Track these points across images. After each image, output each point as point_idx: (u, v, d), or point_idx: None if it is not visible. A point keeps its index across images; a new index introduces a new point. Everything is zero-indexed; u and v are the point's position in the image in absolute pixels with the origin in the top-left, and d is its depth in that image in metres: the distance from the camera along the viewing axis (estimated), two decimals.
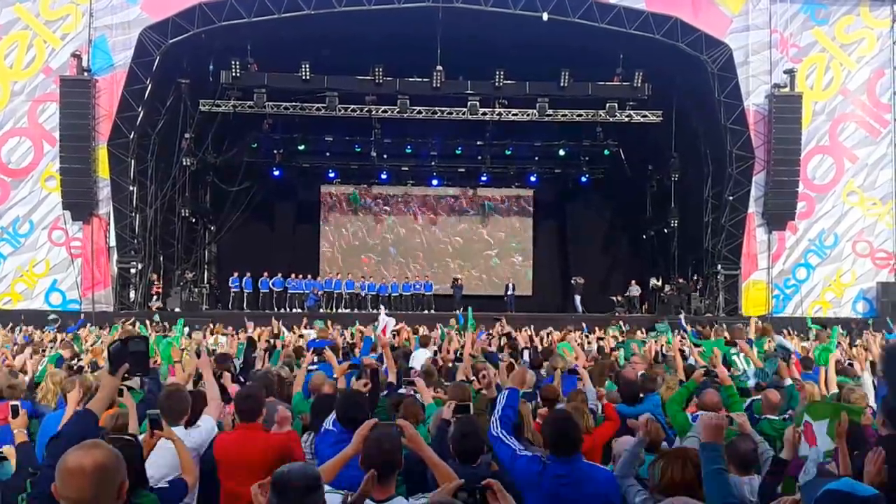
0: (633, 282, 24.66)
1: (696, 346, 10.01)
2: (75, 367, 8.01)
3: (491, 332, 14.15)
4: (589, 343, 12.68)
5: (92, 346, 11.09)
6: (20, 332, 15.07)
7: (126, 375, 3.31)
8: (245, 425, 4.46)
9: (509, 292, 25.30)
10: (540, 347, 10.94)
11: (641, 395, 6.27)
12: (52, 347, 10.42)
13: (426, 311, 23.25)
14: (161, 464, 4.06)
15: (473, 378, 6.59)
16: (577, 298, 24.52)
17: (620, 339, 13.76)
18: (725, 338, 9.59)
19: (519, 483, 3.66)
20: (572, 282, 25.10)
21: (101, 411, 3.29)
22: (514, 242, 28.35)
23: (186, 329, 14.41)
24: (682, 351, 9.02)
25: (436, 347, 10.43)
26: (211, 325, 15.33)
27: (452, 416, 4.44)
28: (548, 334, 14.25)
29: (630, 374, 6.94)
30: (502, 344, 11.66)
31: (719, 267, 21.93)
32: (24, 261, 20.50)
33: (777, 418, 5.54)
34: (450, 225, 28.25)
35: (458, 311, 19.43)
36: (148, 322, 16.00)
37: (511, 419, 3.91)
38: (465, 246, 28.15)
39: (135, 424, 4.60)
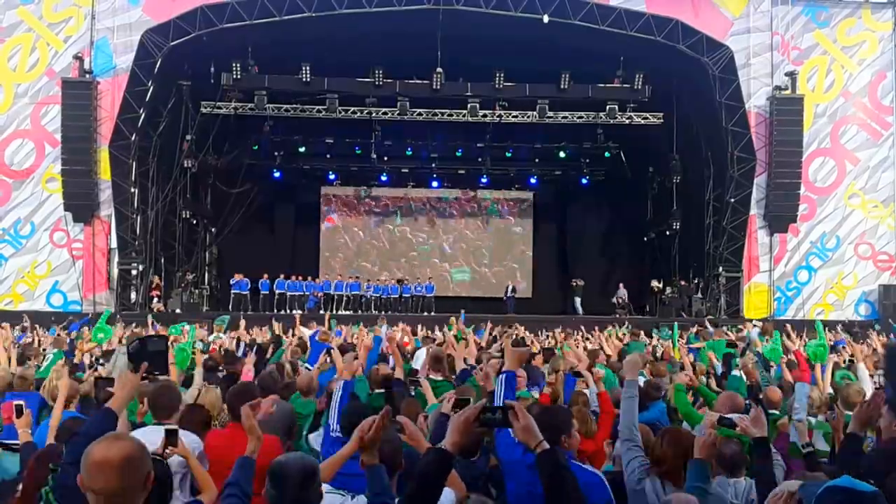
0: (621, 284, 24.60)
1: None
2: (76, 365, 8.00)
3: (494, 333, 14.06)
4: (591, 345, 12.60)
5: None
6: (21, 331, 14.99)
7: (146, 375, 3.29)
8: (237, 424, 4.26)
9: (509, 294, 25.26)
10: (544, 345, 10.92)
11: (647, 404, 6.18)
12: (46, 352, 10.27)
13: (426, 314, 23.21)
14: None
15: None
16: (577, 301, 24.48)
17: (624, 339, 13.67)
18: (728, 339, 9.58)
19: (503, 466, 3.55)
20: (572, 284, 25.05)
21: (122, 410, 3.27)
22: (513, 244, 28.34)
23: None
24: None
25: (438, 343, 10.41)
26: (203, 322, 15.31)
27: (451, 411, 4.41)
28: (547, 337, 14.19)
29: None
30: (502, 347, 11.60)
31: (721, 269, 21.86)
32: (26, 262, 20.50)
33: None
34: (448, 226, 28.24)
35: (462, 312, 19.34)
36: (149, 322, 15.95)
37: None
38: (466, 247, 28.13)
39: (123, 421, 4.57)
